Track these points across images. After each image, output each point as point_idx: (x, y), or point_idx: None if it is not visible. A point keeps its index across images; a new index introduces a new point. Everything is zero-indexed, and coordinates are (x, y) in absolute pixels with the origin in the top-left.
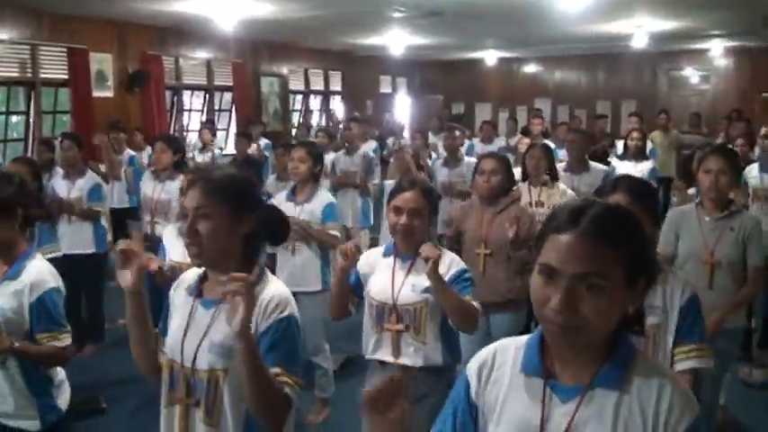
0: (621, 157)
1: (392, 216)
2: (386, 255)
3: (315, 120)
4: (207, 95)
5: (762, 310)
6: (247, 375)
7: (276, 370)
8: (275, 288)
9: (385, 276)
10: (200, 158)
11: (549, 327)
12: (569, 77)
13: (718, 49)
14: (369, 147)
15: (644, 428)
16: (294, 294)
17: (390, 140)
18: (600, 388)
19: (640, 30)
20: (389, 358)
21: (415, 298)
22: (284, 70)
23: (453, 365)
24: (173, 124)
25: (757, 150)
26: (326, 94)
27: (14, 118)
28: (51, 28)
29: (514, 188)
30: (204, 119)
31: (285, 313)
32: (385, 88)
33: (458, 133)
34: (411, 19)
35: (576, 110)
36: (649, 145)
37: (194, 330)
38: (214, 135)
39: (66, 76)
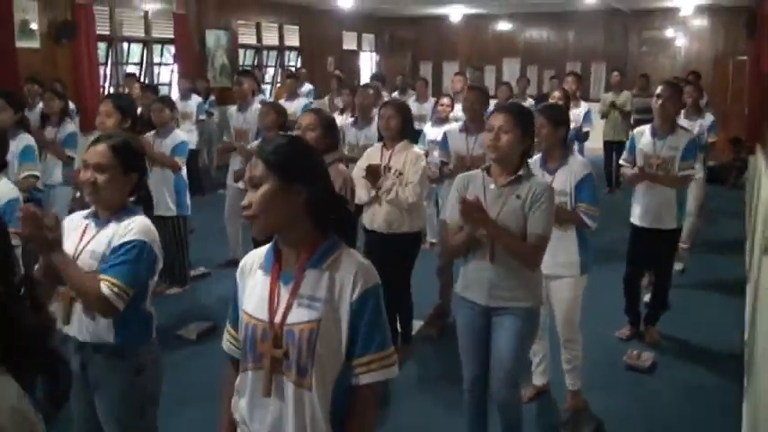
0: None
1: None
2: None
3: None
4: (145, 48)
5: (652, 290)
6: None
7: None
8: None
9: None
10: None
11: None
12: (539, 36)
13: (689, 8)
14: (299, 104)
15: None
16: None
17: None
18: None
19: None
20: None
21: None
22: (233, 23)
23: (134, 348)
24: (108, 77)
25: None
26: (282, 50)
27: None
28: None
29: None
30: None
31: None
32: (349, 45)
33: (371, 91)
34: None
35: (545, 70)
36: (584, 107)
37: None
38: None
39: None
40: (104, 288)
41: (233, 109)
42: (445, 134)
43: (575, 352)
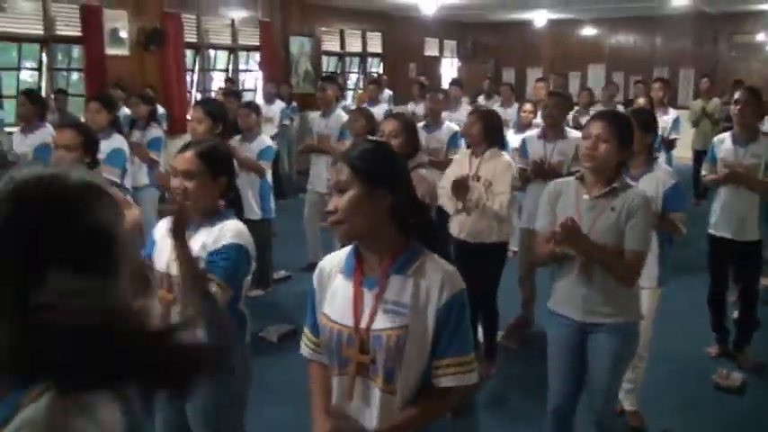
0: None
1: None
2: None
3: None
4: (231, 55)
5: (738, 307)
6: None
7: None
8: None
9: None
10: None
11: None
12: (625, 41)
13: None
14: (380, 109)
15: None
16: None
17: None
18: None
19: None
20: None
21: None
22: (317, 30)
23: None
24: (195, 84)
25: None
26: (365, 56)
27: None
28: None
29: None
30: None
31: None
32: (431, 51)
33: (441, 96)
34: None
35: (631, 76)
36: (673, 114)
37: None
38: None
39: (80, 34)
40: (212, 287)
41: (315, 114)
42: (524, 141)
43: (640, 371)
